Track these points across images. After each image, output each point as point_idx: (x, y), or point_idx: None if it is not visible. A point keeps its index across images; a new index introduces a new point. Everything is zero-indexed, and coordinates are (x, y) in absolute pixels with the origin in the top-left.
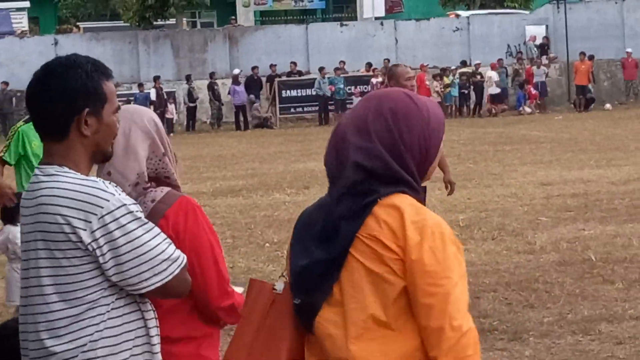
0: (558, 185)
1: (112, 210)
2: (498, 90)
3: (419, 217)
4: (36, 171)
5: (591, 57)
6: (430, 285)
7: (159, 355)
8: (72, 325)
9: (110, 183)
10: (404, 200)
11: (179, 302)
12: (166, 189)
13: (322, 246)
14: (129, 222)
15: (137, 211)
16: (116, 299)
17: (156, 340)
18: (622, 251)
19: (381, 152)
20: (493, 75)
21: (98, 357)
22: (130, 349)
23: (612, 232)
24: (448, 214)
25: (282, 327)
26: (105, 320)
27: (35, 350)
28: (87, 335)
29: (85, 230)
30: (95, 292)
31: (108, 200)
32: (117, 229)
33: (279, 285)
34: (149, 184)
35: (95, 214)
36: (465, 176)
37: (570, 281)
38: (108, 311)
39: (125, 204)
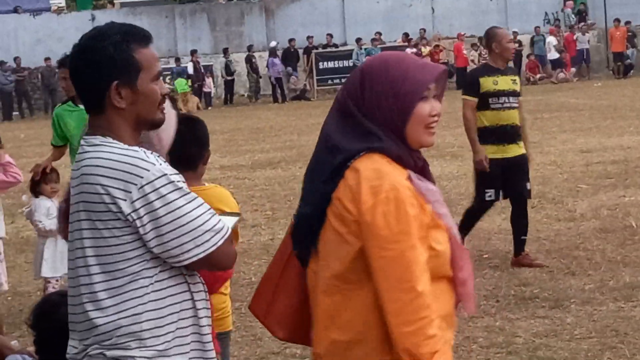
0: (597, 152)
1: (152, 180)
2: (557, 55)
3: (377, 182)
4: (82, 142)
5: (628, 23)
6: (380, 249)
7: (207, 329)
8: (115, 297)
9: (152, 153)
10: (369, 163)
11: None
12: None
13: (305, 204)
14: (169, 192)
15: (178, 181)
16: (159, 272)
17: (204, 313)
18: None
19: (348, 102)
20: (552, 40)
21: (143, 330)
22: (176, 321)
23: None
24: None
25: (295, 279)
26: (149, 293)
27: (81, 322)
28: (130, 308)
29: (125, 200)
30: (137, 263)
31: (148, 170)
32: (158, 199)
33: None
34: None
35: (135, 184)
36: None
37: (611, 248)
38: (152, 283)
39: (166, 174)
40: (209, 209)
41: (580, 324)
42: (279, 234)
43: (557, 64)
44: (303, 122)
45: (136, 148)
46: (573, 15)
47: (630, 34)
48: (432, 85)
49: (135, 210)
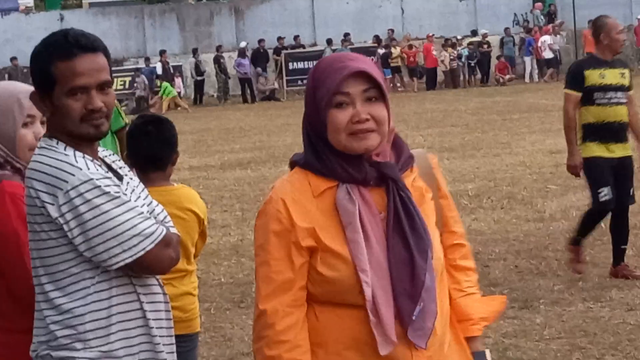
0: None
1: (77, 185)
2: (552, 55)
3: (267, 197)
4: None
5: None
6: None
7: (157, 331)
8: (60, 298)
9: (84, 157)
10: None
11: None
12: None
13: None
14: (95, 197)
15: (106, 185)
16: (101, 272)
17: (153, 315)
18: (632, 218)
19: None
20: (547, 39)
21: (87, 331)
22: (121, 322)
23: None
24: (457, 184)
25: None
26: (91, 294)
27: (38, 320)
28: (74, 308)
29: (52, 204)
30: (76, 265)
31: (74, 175)
32: (83, 203)
33: None
34: None
35: (61, 189)
36: (474, 146)
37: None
38: (93, 284)
39: (92, 179)
40: (139, 214)
41: (549, 324)
42: (248, 234)
43: (552, 63)
44: (272, 122)
45: (68, 152)
46: (542, 17)
47: None
48: (347, 90)
49: (62, 215)
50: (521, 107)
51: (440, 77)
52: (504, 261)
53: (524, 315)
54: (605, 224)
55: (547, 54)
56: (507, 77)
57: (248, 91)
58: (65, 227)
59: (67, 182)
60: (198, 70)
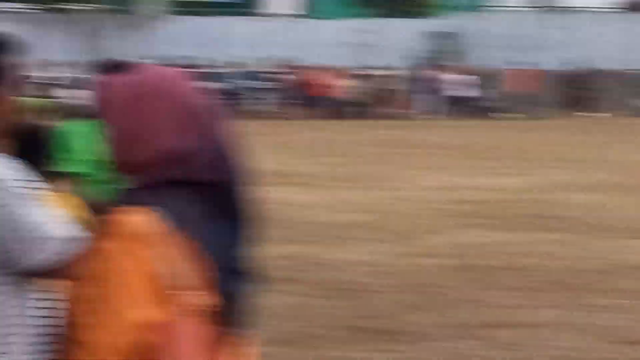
0: (459, 191)
1: None
2: (460, 94)
3: None
4: None
5: None
6: None
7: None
8: None
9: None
10: None
11: None
12: None
13: None
14: (4, 198)
15: (19, 187)
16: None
17: (40, 330)
18: (515, 258)
19: None
20: (453, 78)
21: None
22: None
23: (501, 240)
24: (333, 215)
25: None
26: None
27: None
28: None
29: None
30: None
31: None
32: None
33: None
34: None
35: None
36: (354, 178)
37: (454, 285)
38: (5, 293)
39: (2, 179)
40: (51, 218)
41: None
42: None
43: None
44: None
45: None
46: (431, 55)
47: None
48: None
49: None
50: (405, 143)
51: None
52: (382, 294)
53: (396, 347)
54: (477, 262)
55: (455, 93)
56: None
57: None
58: None
59: None
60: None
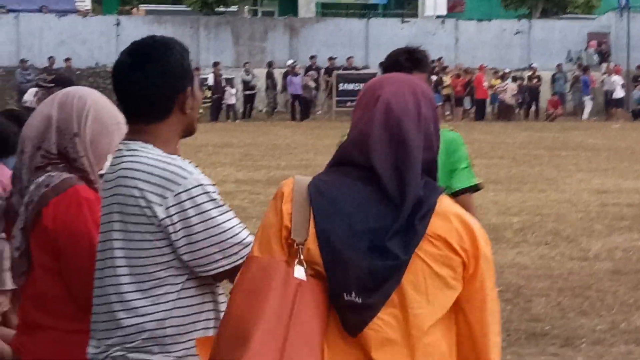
0: (613, 194)
1: (189, 189)
2: (622, 94)
3: (478, 224)
4: (120, 146)
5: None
6: (487, 297)
7: None
8: (141, 300)
9: (190, 162)
10: (449, 202)
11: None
12: (65, 175)
13: (389, 245)
14: (204, 202)
15: (213, 192)
16: (187, 279)
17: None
18: None
19: (434, 147)
20: (617, 79)
21: (166, 336)
22: (198, 330)
23: None
24: (502, 217)
25: (315, 326)
26: (174, 300)
27: (104, 322)
28: (155, 312)
29: (160, 205)
30: (165, 269)
31: (186, 178)
32: (192, 207)
33: (299, 272)
34: (52, 160)
35: (172, 190)
36: (520, 180)
37: (624, 290)
38: (178, 291)
39: (202, 184)
40: (239, 223)
41: None
42: None
43: (621, 103)
44: (320, 141)
45: (175, 156)
46: (596, 55)
47: None
48: None
49: (169, 216)
50: (569, 145)
51: (490, 108)
52: (547, 297)
53: (565, 352)
54: (638, 266)
55: (618, 94)
56: (558, 112)
57: (298, 109)
58: (171, 229)
59: (179, 184)
60: (248, 84)
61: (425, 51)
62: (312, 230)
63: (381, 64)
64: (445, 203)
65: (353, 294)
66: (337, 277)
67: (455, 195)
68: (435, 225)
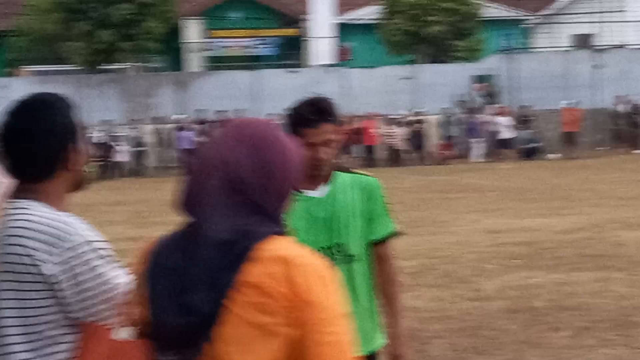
0: (505, 233)
1: (75, 245)
2: (509, 135)
3: (317, 266)
4: (8, 205)
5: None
6: (324, 334)
7: None
8: None
9: (80, 219)
10: (282, 244)
11: None
12: None
13: (194, 298)
14: (91, 258)
15: (101, 248)
16: (77, 334)
17: None
18: (568, 299)
19: (249, 184)
20: (503, 120)
21: None
22: None
23: (558, 280)
24: (395, 262)
25: None
26: (67, 358)
27: None
28: None
29: (46, 263)
30: (54, 328)
31: (72, 235)
32: (79, 264)
33: (123, 334)
34: None
35: (58, 247)
36: (411, 224)
37: (518, 328)
38: (67, 350)
39: (88, 240)
40: (129, 278)
41: None
42: None
43: (507, 143)
44: None
45: (63, 213)
46: (482, 98)
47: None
48: None
49: (54, 274)
50: (459, 187)
51: (380, 154)
52: (442, 339)
53: None
54: (541, 305)
55: (503, 134)
56: (451, 154)
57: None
58: (56, 287)
59: (64, 241)
60: (135, 141)
61: (328, 99)
62: (144, 291)
63: (283, 116)
64: (269, 247)
65: (168, 353)
66: (155, 337)
67: (377, 243)
68: (248, 272)
